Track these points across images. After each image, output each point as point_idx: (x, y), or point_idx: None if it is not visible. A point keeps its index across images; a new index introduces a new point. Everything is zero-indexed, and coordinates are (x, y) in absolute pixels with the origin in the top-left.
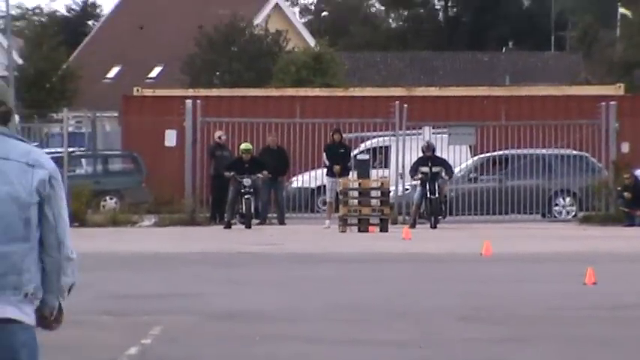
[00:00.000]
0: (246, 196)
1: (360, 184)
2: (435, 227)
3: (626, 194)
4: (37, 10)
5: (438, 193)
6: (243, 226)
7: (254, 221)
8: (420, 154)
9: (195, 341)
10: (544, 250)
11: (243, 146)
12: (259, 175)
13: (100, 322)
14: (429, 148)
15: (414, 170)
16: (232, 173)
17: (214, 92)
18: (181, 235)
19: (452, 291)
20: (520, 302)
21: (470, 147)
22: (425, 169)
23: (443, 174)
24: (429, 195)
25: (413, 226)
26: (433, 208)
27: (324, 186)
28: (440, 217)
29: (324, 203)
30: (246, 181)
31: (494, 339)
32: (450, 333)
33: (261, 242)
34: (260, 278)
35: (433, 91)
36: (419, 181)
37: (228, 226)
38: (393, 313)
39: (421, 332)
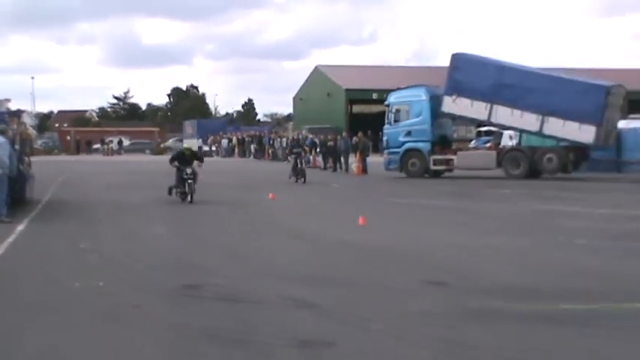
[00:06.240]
0: (188, 181)
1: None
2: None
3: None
4: None
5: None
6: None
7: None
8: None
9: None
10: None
11: (185, 145)
12: (195, 164)
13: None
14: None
15: (290, 151)
16: (177, 164)
17: None
18: None
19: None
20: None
21: None
22: (297, 149)
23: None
24: (299, 165)
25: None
26: (302, 172)
27: None
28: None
29: None
30: (188, 170)
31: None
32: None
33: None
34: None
35: None
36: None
37: (170, 193)
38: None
39: (146, 195)
